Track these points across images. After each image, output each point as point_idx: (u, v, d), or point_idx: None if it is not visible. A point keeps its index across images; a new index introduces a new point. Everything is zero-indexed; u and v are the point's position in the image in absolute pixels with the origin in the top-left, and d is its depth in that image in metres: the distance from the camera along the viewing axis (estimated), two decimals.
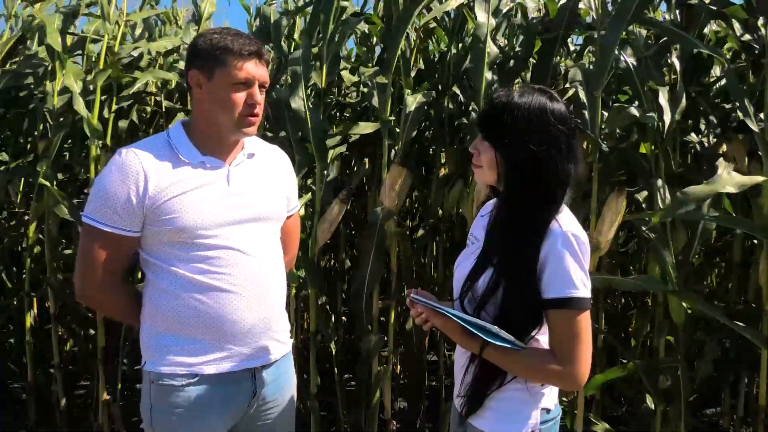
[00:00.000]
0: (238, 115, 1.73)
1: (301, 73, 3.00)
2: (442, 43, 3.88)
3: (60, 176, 3.81)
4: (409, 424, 3.67)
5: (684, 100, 2.76)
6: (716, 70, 3.40)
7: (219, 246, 1.72)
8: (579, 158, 1.56)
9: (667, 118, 2.70)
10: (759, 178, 2.53)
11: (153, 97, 4.06)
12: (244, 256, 1.75)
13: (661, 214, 2.55)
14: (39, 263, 3.60)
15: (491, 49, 2.99)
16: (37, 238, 3.52)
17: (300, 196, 2.26)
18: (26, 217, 3.69)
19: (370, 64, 3.74)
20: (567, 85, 3.13)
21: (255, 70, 1.73)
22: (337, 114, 4.09)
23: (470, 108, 3.28)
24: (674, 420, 2.78)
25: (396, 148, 3.09)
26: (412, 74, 3.43)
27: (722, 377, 3.36)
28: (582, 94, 2.77)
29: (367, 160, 3.59)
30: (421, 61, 3.68)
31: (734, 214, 3.03)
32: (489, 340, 1.46)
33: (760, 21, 2.73)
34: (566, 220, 1.52)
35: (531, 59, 3.29)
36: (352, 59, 4.37)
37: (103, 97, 3.29)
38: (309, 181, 3.29)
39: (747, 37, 2.94)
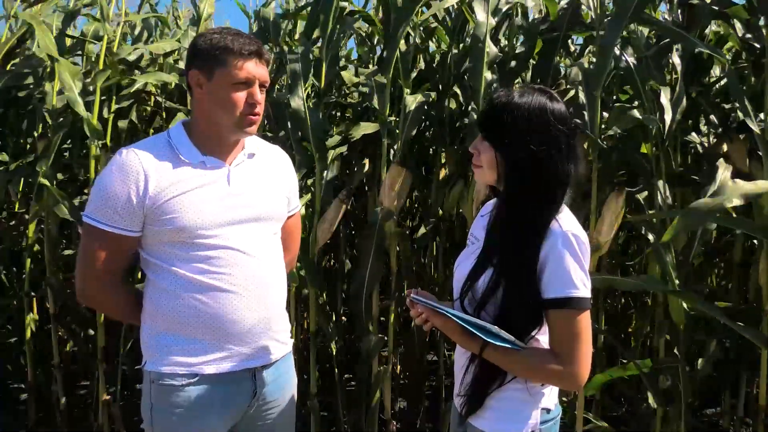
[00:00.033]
0: (238, 114, 1.72)
1: (301, 73, 3.00)
2: (443, 44, 3.88)
3: (60, 176, 3.80)
4: (409, 424, 3.67)
5: (684, 100, 2.76)
6: (716, 70, 3.40)
7: (219, 246, 1.72)
8: (579, 158, 1.56)
9: (668, 117, 2.70)
10: (765, 187, 2.49)
11: (153, 97, 4.06)
12: (244, 256, 1.75)
13: (662, 215, 2.55)
14: (39, 263, 3.60)
15: (490, 48, 2.99)
16: (37, 238, 3.51)
17: (300, 196, 2.26)
18: (26, 217, 3.68)
19: (371, 65, 3.74)
20: (568, 86, 3.13)
21: (255, 69, 1.73)
22: (338, 114, 4.09)
23: (470, 108, 3.28)
24: (674, 420, 2.78)
25: (395, 147, 3.09)
26: (414, 74, 3.42)
27: (722, 377, 3.36)
28: (582, 94, 2.77)
29: (367, 160, 3.59)
30: (421, 61, 3.69)
31: (734, 215, 3.03)
32: (489, 340, 1.45)
33: (762, 21, 2.73)
34: (566, 220, 1.52)
35: (531, 60, 3.29)
36: (353, 59, 4.36)
37: (102, 98, 3.29)
38: (309, 181, 3.29)
39: (748, 36, 2.94)
